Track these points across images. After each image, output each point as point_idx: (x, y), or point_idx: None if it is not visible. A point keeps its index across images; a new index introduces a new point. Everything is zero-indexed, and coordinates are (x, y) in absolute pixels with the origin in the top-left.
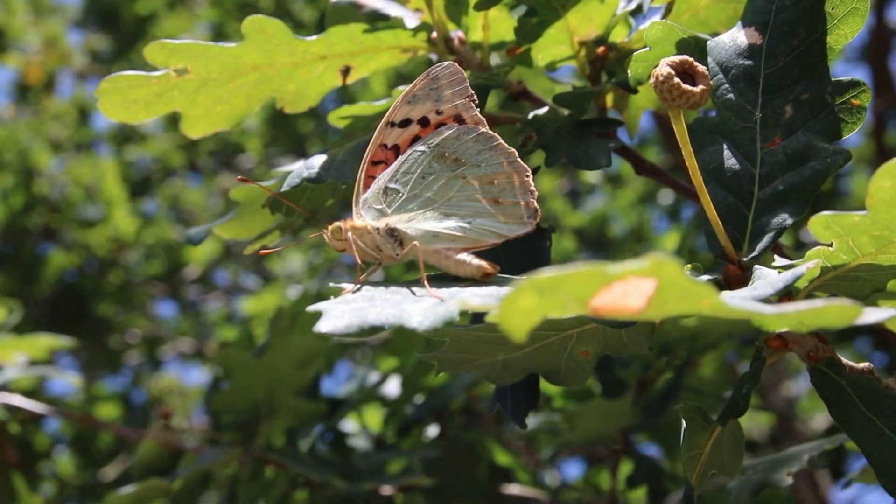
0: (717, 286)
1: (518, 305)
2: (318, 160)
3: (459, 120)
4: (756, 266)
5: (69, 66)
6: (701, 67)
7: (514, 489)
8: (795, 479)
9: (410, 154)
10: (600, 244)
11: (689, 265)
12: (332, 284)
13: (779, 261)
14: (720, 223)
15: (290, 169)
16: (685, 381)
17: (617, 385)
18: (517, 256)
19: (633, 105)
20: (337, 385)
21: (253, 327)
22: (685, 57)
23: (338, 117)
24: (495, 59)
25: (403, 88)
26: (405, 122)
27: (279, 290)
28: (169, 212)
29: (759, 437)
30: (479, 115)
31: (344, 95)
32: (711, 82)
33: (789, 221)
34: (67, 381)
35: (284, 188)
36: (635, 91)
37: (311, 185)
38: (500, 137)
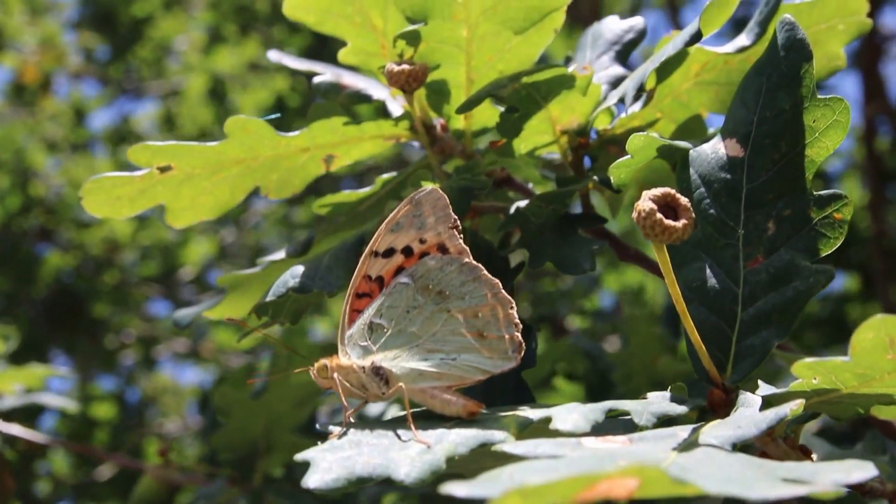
0: (701, 411)
1: None
2: (301, 269)
3: (443, 249)
4: (741, 392)
5: (65, 66)
6: (683, 200)
7: None
8: None
9: (395, 287)
10: None
11: (671, 386)
12: (318, 426)
13: (763, 388)
14: (703, 346)
15: (276, 258)
16: None
17: None
18: None
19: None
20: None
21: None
22: (667, 190)
23: (320, 205)
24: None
25: (386, 178)
26: (389, 252)
27: None
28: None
29: None
30: (463, 243)
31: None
32: (694, 195)
33: (773, 343)
34: (63, 408)
35: (269, 297)
36: (618, 192)
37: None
38: (482, 268)
